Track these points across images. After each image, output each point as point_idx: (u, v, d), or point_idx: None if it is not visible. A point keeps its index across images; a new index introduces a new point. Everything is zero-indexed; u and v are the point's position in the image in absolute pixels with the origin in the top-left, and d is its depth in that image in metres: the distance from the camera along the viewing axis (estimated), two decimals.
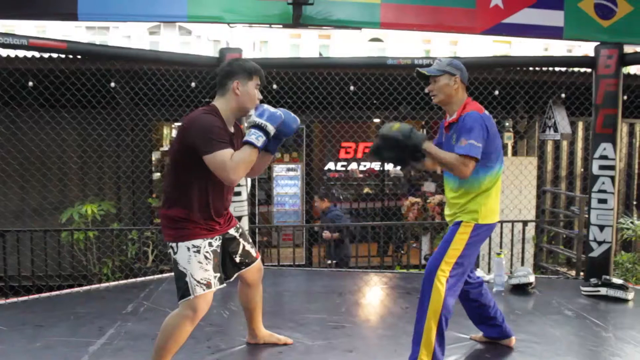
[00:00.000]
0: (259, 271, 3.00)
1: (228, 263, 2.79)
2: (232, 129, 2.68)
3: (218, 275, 2.63)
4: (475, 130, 2.65)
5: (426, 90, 2.91)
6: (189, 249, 2.55)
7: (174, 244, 2.57)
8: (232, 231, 2.80)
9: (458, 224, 2.81)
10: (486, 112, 2.82)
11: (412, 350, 2.73)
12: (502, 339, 3.19)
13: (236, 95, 2.63)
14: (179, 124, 8.68)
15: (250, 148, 2.46)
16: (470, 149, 2.62)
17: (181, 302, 2.56)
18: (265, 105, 2.56)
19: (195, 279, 2.52)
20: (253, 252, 2.93)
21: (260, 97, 2.73)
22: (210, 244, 2.61)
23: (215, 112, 2.61)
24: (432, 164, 2.93)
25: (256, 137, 2.47)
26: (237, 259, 2.83)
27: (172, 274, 2.67)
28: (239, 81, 2.64)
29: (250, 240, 2.97)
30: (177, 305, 2.61)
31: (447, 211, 2.95)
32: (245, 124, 2.55)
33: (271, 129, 2.51)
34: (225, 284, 2.69)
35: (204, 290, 2.53)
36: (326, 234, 6.52)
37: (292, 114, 2.67)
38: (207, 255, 2.58)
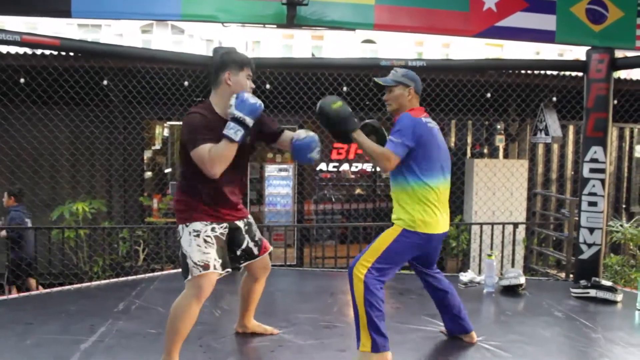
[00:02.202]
0: (265, 269, 3.12)
1: (229, 253, 2.85)
2: None
3: (220, 260, 2.70)
4: (399, 129, 2.81)
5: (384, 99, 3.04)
6: (190, 233, 2.69)
7: (179, 228, 2.74)
8: (239, 223, 2.89)
9: (392, 224, 2.93)
10: (424, 118, 2.90)
11: (356, 337, 2.83)
12: (462, 334, 3.25)
13: (228, 86, 2.71)
14: (172, 123, 8.68)
15: (227, 142, 2.55)
16: (389, 143, 2.80)
17: (186, 282, 2.68)
18: (246, 95, 2.59)
19: (193, 261, 2.64)
20: (256, 250, 2.99)
21: (253, 86, 2.79)
22: (213, 229, 2.72)
23: (207, 108, 2.71)
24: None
25: (234, 132, 2.54)
26: (238, 252, 2.92)
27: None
28: (230, 72, 2.72)
29: (258, 238, 3.03)
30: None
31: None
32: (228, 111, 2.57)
33: (249, 121, 2.56)
34: (229, 270, 2.76)
35: (200, 271, 2.62)
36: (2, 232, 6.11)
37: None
38: (207, 239, 2.69)
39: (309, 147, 2.78)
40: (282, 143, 2.94)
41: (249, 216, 3.01)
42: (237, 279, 4.42)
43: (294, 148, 2.81)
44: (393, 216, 2.95)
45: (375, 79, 3.02)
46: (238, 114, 2.54)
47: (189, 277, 2.65)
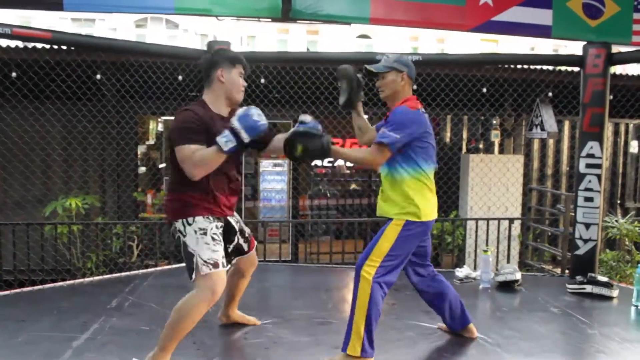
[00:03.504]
0: (253, 265, 3.15)
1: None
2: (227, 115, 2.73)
3: (225, 258, 2.70)
4: (396, 123, 2.76)
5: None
6: (195, 231, 2.64)
7: (179, 225, 2.67)
8: (232, 219, 2.89)
9: (390, 220, 2.86)
10: (421, 109, 2.88)
11: (344, 339, 2.78)
12: (462, 330, 3.23)
13: (221, 84, 2.71)
14: (166, 118, 8.62)
15: (216, 149, 2.50)
16: (384, 136, 2.73)
17: (195, 282, 2.62)
18: (253, 111, 2.51)
19: (202, 259, 2.59)
20: (245, 246, 3.02)
21: (245, 84, 2.79)
22: (217, 226, 2.72)
23: (201, 105, 2.70)
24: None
25: (226, 141, 2.48)
26: (230, 248, 2.91)
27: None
28: (222, 69, 2.71)
29: (247, 235, 3.04)
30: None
31: (380, 206, 2.97)
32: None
33: (245, 137, 2.48)
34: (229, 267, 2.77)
35: (210, 269, 2.59)
36: None
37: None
38: (215, 237, 2.68)
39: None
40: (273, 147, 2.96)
41: (236, 214, 3.00)
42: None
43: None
44: (392, 210, 2.86)
45: (367, 66, 2.94)
46: (236, 125, 2.47)
47: (196, 276, 2.60)
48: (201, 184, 2.64)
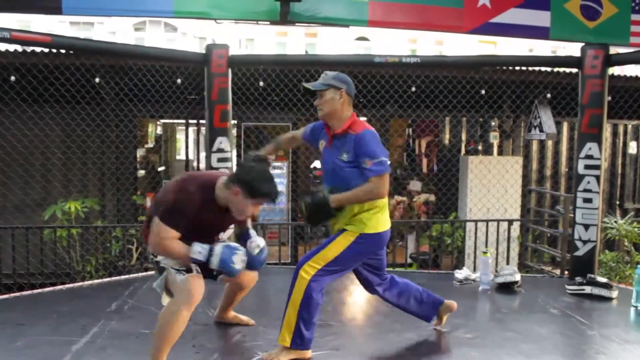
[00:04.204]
0: (253, 280, 3.20)
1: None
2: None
3: (198, 267, 2.71)
4: (378, 147, 2.77)
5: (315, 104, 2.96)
6: None
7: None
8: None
9: (342, 231, 2.88)
10: (373, 129, 2.90)
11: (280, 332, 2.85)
12: (440, 310, 3.26)
13: (232, 197, 2.63)
14: (165, 120, 8.62)
15: (185, 251, 2.58)
16: (378, 166, 2.74)
17: (173, 290, 2.67)
18: (239, 254, 2.64)
19: (174, 269, 2.67)
20: None
21: (256, 212, 2.79)
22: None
23: (209, 192, 2.66)
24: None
25: (198, 252, 2.59)
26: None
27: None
28: (242, 192, 2.60)
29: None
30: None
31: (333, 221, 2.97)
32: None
33: (213, 265, 2.60)
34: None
35: (183, 275, 2.63)
36: None
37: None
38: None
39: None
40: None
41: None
42: None
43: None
44: (344, 221, 2.88)
45: (305, 84, 2.92)
46: (214, 260, 2.58)
47: (172, 286, 2.68)
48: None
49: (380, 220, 2.89)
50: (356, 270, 3.07)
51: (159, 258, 2.73)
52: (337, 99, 2.87)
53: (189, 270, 2.64)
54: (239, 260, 2.62)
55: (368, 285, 3.15)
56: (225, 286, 3.28)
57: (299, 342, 2.80)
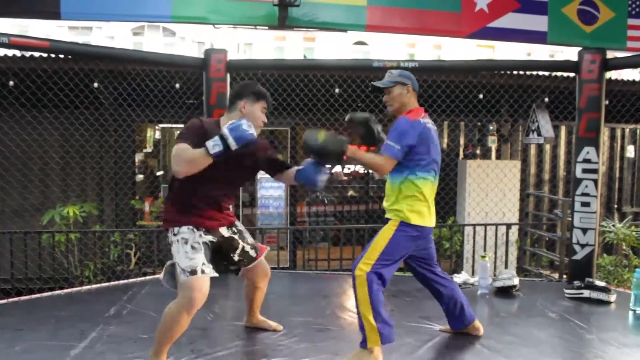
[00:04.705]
0: (265, 275, 3.27)
1: (219, 260, 2.92)
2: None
3: (210, 265, 2.75)
4: (397, 133, 2.92)
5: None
6: (178, 241, 2.76)
7: (168, 233, 2.82)
8: (226, 231, 2.96)
9: (386, 221, 3.03)
10: (422, 119, 3.02)
11: (362, 336, 2.89)
12: (468, 327, 3.33)
13: (241, 114, 2.83)
14: (163, 125, 8.63)
15: (203, 152, 2.58)
16: (386, 149, 2.92)
17: (178, 290, 2.71)
18: (244, 121, 2.61)
19: (180, 267, 2.69)
20: (253, 252, 3.11)
21: (265, 120, 2.94)
22: (200, 236, 2.79)
23: (214, 122, 2.86)
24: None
25: (213, 145, 2.57)
26: (236, 257, 2.99)
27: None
28: (246, 101, 2.86)
29: (251, 242, 3.12)
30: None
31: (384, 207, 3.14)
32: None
33: (232, 144, 2.56)
34: (217, 275, 2.79)
35: (187, 276, 2.65)
36: None
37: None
38: (195, 245, 2.75)
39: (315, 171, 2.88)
40: (286, 176, 3.08)
41: (237, 223, 3.10)
42: (229, 283, 4.40)
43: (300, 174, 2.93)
44: (388, 210, 3.04)
45: (374, 83, 3.12)
46: (225, 132, 2.56)
47: (177, 284, 2.72)
48: (186, 198, 2.80)
49: (422, 214, 2.98)
50: (412, 268, 3.22)
51: (173, 253, 2.77)
52: (405, 94, 3.08)
53: (193, 272, 2.65)
54: (246, 124, 2.59)
55: (427, 284, 3.28)
56: (243, 291, 3.35)
57: (386, 333, 2.86)
